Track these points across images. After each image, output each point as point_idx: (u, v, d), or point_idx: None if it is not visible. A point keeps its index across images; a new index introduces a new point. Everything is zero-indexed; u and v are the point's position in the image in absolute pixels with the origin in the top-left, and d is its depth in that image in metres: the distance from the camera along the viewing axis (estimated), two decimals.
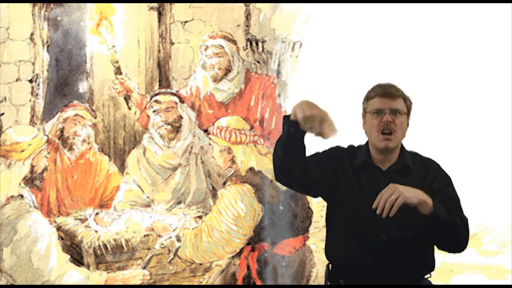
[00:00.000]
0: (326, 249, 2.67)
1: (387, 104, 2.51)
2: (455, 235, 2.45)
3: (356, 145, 2.66)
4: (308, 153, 2.49)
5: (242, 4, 4.67)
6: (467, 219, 2.51)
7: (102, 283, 4.13)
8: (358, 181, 2.52)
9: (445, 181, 2.55)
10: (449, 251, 2.61)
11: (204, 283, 4.37)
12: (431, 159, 2.63)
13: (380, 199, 2.30)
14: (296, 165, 2.43)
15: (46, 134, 4.33)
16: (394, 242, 2.47)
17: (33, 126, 4.38)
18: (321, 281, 3.33)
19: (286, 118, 2.37)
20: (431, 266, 2.60)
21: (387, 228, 2.47)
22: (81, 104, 4.50)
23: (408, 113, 2.57)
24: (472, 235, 4.86)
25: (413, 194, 2.33)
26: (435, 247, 2.57)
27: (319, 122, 2.26)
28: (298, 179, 2.50)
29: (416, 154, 2.63)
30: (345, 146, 2.67)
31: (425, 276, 2.61)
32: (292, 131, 2.34)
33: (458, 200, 2.55)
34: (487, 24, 4.66)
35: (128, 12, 4.64)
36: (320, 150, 2.63)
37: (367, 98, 2.57)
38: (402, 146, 2.59)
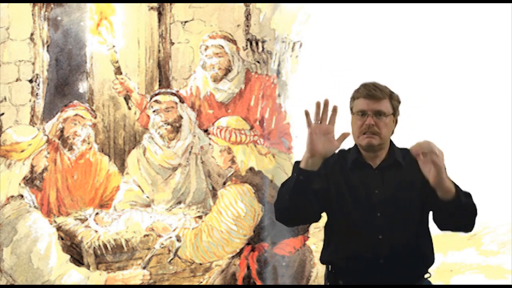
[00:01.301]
0: (322, 253, 2.66)
1: (370, 106, 2.48)
2: (473, 216, 2.43)
3: (347, 148, 2.65)
4: None
5: (242, 4, 4.67)
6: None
7: (102, 283, 4.13)
8: (350, 181, 2.52)
9: None
10: (461, 231, 2.58)
11: (204, 283, 4.37)
12: None
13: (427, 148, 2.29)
14: (301, 210, 2.45)
15: (46, 134, 4.33)
16: (391, 242, 2.47)
17: (33, 126, 4.38)
18: (321, 281, 3.33)
19: (296, 165, 2.38)
20: (429, 264, 2.59)
21: (383, 228, 2.46)
22: (81, 104, 4.50)
23: (394, 113, 2.55)
24: (472, 235, 4.88)
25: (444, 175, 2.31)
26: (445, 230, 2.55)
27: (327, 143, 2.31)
28: (299, 221, 2.55)
29: (408, 150, 2.62)
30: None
31: (425, 276, 2.60)
32: (301, 178, 2.34)
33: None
34: (487, 24, 4.66)
35: (128, 12, 4.64)
36: None
37: (353, 98, 2.56)
38: (391, 142, 2.58)
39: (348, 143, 2.67)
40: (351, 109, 2.56)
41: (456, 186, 2.37)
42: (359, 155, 2.55)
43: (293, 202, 2.39)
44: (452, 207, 2.34)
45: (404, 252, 2.47)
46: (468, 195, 2.42)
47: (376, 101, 2.49)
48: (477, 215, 2.44)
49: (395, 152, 2.56)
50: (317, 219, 2.59)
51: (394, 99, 2.54)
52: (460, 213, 2.37)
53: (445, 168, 2.34)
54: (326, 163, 2.50)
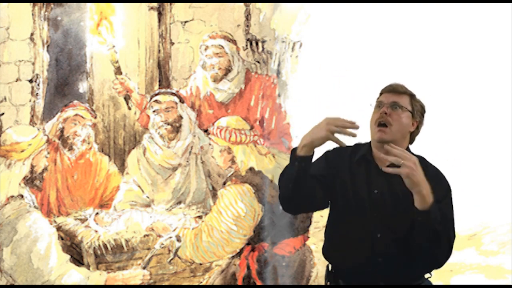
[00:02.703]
0: (324, 249, 2.67)
1: (388, 98, 2.53)
2: (434, 246, 2.38)
3: (363, 142, 2.66)
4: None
5: (242, 4, 4.67)
6: (453, 239, 2.44)
7: (102, 283, 4.13)
8: (354, 178, 2.53)
9: (443, 194, 2.49)
10: (424, 265, 2.51)
11: (204, 283, 4.37)
12: (436, 168, 2.59)
13: (395, 152, 2.27)
14: (305, 195, 2.46)
15: (46, 134, 4.33)
16: (389, 241, 2.46)
17: (33, 126, 4.38)
18: (321, 281, 3.33)
19: (293, 153, 2.39)
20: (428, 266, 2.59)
21: (381, 226, 2.46)
22: (81, 104, 4.50)
23: (413, 112, 2.55)
24: (472, 235, 4.88)
25: (419, 179, 2.26)
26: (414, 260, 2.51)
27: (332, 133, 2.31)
28: (306, 207, 2.55)
29: (422, 158, 2.60)
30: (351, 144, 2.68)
31: (425, 276, 2.60)
32: (302, 165, 2.37)
33: (451, 218, 2.48)
34: (487, 24, 4.66)
35: (128, 12, 4.65)
36: (321, 154, 2.64)
37: (378, 96, 2.61)
38: (407, 148, 2.58)
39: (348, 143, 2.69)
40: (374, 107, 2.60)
41: (435, 206, 2.33)
42: (369, 152, 2.56)
43: (297, 188, 2.42)
44: (421, 219, 2.31)
45: (402, 251, 2.47)
46: (443, 224, 2.37)
47: (395, 95, 2.54)
48: (440, 252, 2.40)
49: None
50: (325, 205, 2.61)
51: (415, 101, 2.58)
52: (426, 231, 2.33)
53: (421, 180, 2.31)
54: (336, 152, 2.54)
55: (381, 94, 2.59)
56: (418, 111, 2.58)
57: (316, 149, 2.42)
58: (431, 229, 2.33)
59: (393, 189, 2.46)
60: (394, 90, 2.55)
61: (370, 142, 2.60)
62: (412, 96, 2.58)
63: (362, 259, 2.49)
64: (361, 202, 2.49)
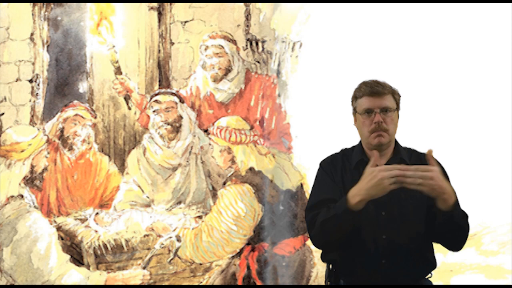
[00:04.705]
0: (323, 254, 2.65)
1: (376, 103, 2.48)
2: (462, 238, 2.46)
3: (349, 146, 2.64)
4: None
5: (242, 4, 4.67)
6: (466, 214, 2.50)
7: (102, 283, 4.13)
8: (356, 181, 2.51)
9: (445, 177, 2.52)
10: (450, 249, 2.58)
11: (204, 283, 4.37)
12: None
13: (413, 169, 2.26)
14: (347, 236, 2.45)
15: (46, 134, 4.33)
16: (394, 242, 2.46)
17: (33, 126, 4.38)
18: (321, 281, 3.34)
19: (346, 204, 2.33)
20: (432, 266, 2.59)
21: (387, 227, 2.46)
22: (81, 104, 4.50)
23: (397, 108, 2.55)
24: (472, 235, 4.88)
25: (442, 187, 2.26)
26: (434, 242, 2.56)
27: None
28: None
29: (413, 150, 2.62)
30: (337, 151, 2.66)
31: (426, 276, 2.60)
32: (357, 217, 2.34)
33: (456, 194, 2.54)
34: (487, 24, 4.66)
35: (128, 12, 4.65)
36: (320, 172, 2.62)
37: (355, 97, 2.55)
38: (396, 141, 2.58)
39: (345, 143, 2.69)
40: (355, 109, 2.55)
41: (457, 201, 2.36)
42: (364, 155, 2.54)
43: (346, 236, 2.42)
44: (444, 218, 2.35)
45: (407, 253, 2.47)
46: (464, 216, 2.44)
47: (380, 98, 2.49)
48: (466, 238, 2.47)
49: (400, 152, 2.56)
50: None
51: (396, 94, 2.55)
52: (450, 228, 2.38)
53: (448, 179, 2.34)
54: (331, 163, 2.51)
55: (360, 96, 2.52)
56: (399, 102, 2.56)
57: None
58: (456, 225, 2.37)
59: (397, 188, 2.46)
60: (378, 93, 2.48)
61: (360, 144, 2.59)
62: (392, 90, 2.53)
63: (365, 261, 2.48)
64: (366, 205, 2.48)
